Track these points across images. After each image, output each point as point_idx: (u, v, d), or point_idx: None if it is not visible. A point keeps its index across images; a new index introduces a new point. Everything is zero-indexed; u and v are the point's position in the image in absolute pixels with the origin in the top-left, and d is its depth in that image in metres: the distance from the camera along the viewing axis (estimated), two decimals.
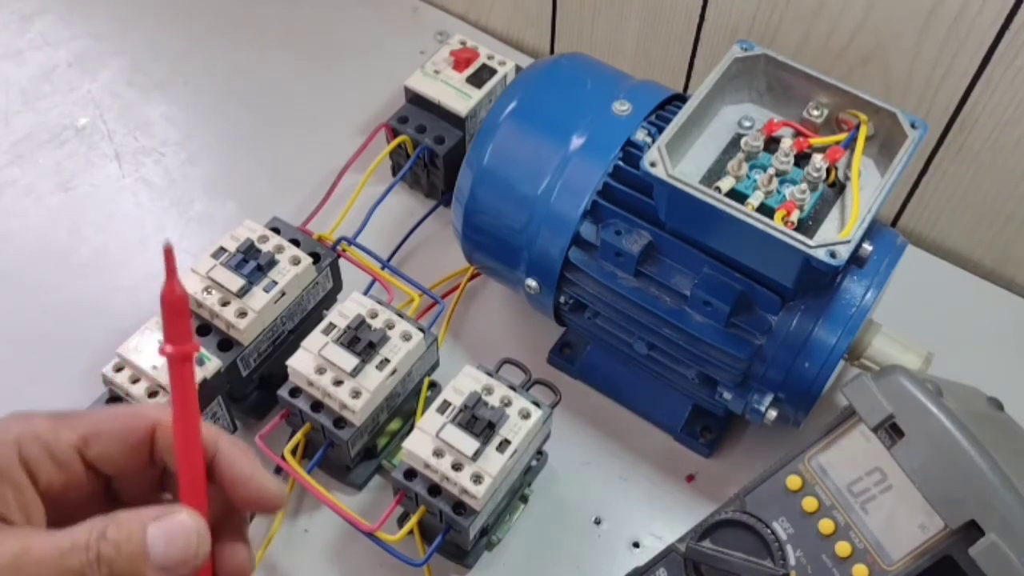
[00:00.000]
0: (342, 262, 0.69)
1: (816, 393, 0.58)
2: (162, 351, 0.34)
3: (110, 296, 0.74)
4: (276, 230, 0.66)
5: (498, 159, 0.63)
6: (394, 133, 0.76)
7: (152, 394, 0.59)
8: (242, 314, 0.61)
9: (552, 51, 0.91)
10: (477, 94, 0.76)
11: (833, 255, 0.51)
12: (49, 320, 0.73)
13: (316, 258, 0.66)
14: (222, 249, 0.63)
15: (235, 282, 0.62)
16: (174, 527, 0.34)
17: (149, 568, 0.33)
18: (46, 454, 0.35)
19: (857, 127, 0.56)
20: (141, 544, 0.33)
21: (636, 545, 0.64)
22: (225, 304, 0.62)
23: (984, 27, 0.65)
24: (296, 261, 0.64)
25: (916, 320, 0.65)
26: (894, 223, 0.81)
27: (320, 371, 0.60)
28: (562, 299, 0.65)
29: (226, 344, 0.62)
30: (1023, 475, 0.45)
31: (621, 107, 0.62)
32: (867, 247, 0.53)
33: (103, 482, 0.37)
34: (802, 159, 0.56)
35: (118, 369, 0.60)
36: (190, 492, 0.35)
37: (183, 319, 0.34)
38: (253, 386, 0.66)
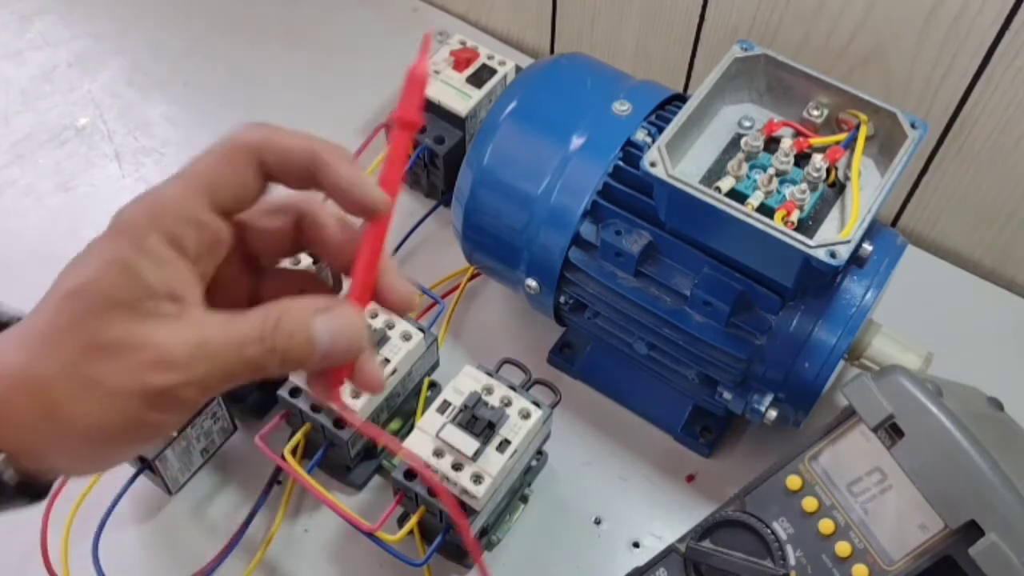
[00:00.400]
0: None
1: (816, 393, 0.58)
2: (391, 116, 0.37)
3: None
4: None
5: (498, 159, 0.63)
6: None
7: None
8: None
9: (552, 51, 0.91)
10: (477, 94, 0.76)
11: (833, 255, 0.51)
12: None
13: (316, 258, 0.66)
14: None
15: None
16: (338, 321, 0.36)
17: (315, 356, 0.36)
18: (186, 223, 0.35)
19: (857, 127, 0.56)
20: (309, 335, 0.35)
21: (636, 545, 0.63)
22: None
23: (984, 27, 0.65)
24: (296, 261, 0.64)
25: (916, 320, 0.65)
26: (894, 223, 0.81)
27: None
28: (562, 299, 0.65)
29: None
30: (1023, 475, 0.45)
31: (621, 107, 0.62)
32: (867, 247, 0.53)
33: (241, 243, 0.39)
34: (802, 159, 0.56)
35: None
36: (360, 290, 0.37)
37: (419, 95, 0.37)
38: (253, 386, 0.66)
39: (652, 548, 0.59)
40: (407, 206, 0.79)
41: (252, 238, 0.39)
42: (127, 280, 0.34)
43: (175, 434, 0.59)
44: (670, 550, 0.52)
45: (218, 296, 0.37)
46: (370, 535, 0.58)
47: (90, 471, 0.39)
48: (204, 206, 0.36)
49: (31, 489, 0.36)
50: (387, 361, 0.60)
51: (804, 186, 0.54)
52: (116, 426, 0.34)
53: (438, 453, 0.56)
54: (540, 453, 0.64)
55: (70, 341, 0.33)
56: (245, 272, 0.40)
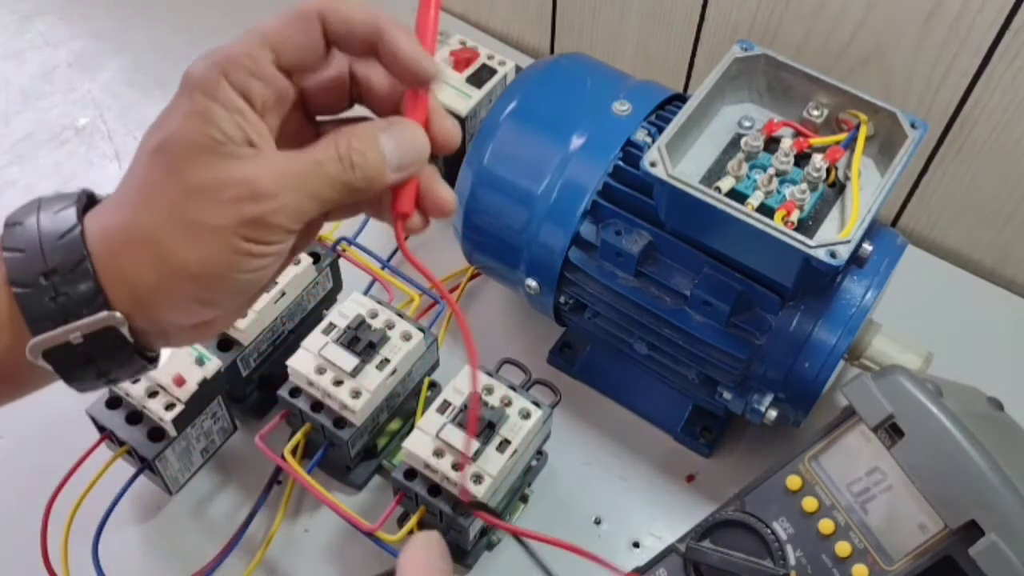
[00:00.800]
0: (342, 262, 0.69)
1: (816, 393, 0.58)
2: None
3: None
4: None
5: (498, 159, 0.63)
6: None
7: (152, 394, 0.58)
8: None
9: (552, 51, 0.91)
10: (477, 94, 0.76)
11: (833, 255, 0.51)
12: None
13: (316, 258, 0.66)
14: None
15: None
16: (401, 133, 0.40)
17: (388, 169, 0.39)
18: (253, 77, 0.38)
19: (857, 127, 0.56)
20: (379, 148, 0.39)
21: (636, 545, 0.63)
22: None
23: (984, 27, 0.65)
24: (296, 261, 0.64)
25: (916, 320, 0.65)
26: (894, 223, 0.81)
27: (320, 371, 0.60)
28: (562, 299, 0.65)
29: (226, 344, 0.62)
30: (1023, 475, 0.45)
31: (621, 107, 0.62)
32: (867, 247, 0.53)
33: (301, 98, 0.41)
34: (802, 159, 0.56)
35: None
36: (413, 108, 0.40)
37: None
38: (253, 386, 0.66)
39: (652, 548, 0.59)
40: None
41: (311, 92, 0.41)
42: (207, 127, 0.37)
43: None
44: (670, 550, 0.52)
45: (283, 149, 0.39)
46: (370, 535, 0.58)
47: (197, 333, 0.41)
48: (268, 62, 0.38)
49: (146, 353, 0.39)
50: (387, 361, 0.60)
51: (804, 186, 0.54)
52: (223, 261, 0.37)
53: (438, 453, 0.56)
54: (540, 453, 0.64)
55: (166, 190, 0.36)
56: (307, 126, 0.42)
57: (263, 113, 0.38)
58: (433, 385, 0.66)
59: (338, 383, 0.59)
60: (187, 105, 0.37)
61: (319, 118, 0.43)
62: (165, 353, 0.59)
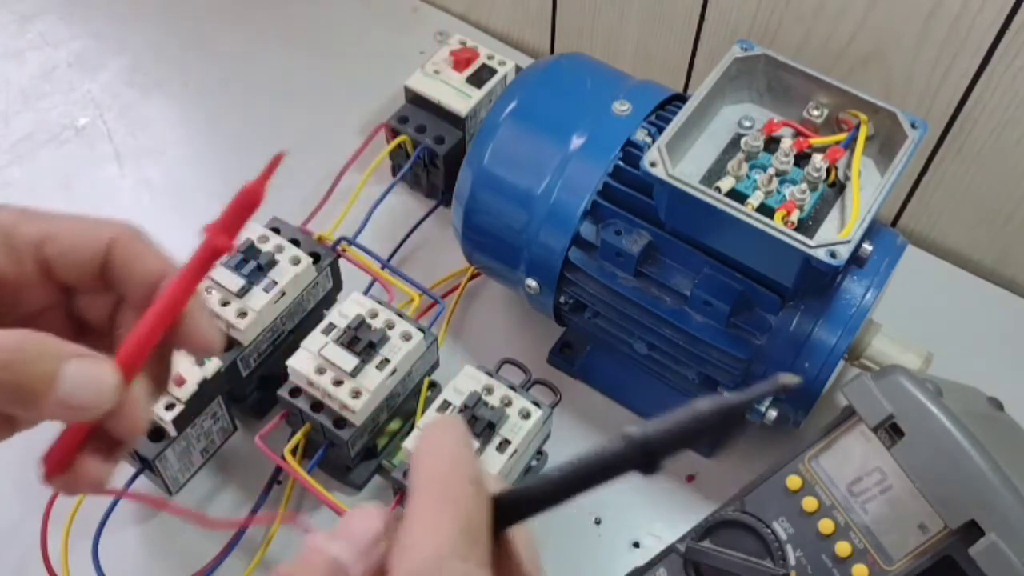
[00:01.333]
0: (342, 262, 0.69)
1: (816, 393, 0.58)
2: (205, 229, 0.34)
3: None
4: (276, 230, 0.66)
5: (498, 159, 0.63)
6: (394, 133, 0.76)
7: None
8: (242, 314, 0.61)
9: (552, 51, 0.91)
10: (477, 94, 0.76)
11: (833, 255, 0.51)
12: None
13: (316, 258, 0.66)
14: None
15: (235, 282, 0.62)
16: (94, 371, 0.33)
17: (52, 395, 0.32)
18: (1, 243, 0.34)
19: (857, 127, 0.56)
20: (56, 367, 0.32)
21: (636, 545, 0.63)
22: (225, 304, 0.62)
23: (984, 27, 0.65)
24: (296, 261, 0.64)
25: (916, 320, 0.65)
26: (894, 223, 0.81)
27: (320, 371, 0.60)
28: (562, 299, 0.65)
29: (226, 344, 0.62)
30: (1023, 475, 0.45)
31: (621, 107, 0.62)
32: (867, 247, 0.53)
33: (64, 298, 0.37)
34: (802, 159, 0.56)
35: None
36: (132, 353, 0.34)
37: (242, 219, 0.34)
38: (253, 386, 0.66)
39: (652, 548, 0.58)
40: (407, 206, 0.79)
41: (79, 303, 0.37)
42: None
43: (175, 434, 0.59)
44: (670, 550, 0.52)
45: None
46: None
47: None
48: (32, 250, 0.35)
49: None
50: (387, 361, 0.60)
51: (804, 186, 0.54)
52: None
53: None
54: (540, 453, 0.64)
55: None
56: (65, 320, 0.37)
57: None
58: (433, 385, 0.66)
59: (338, 383, 0.59)
60: None
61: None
62: None
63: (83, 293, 0.37)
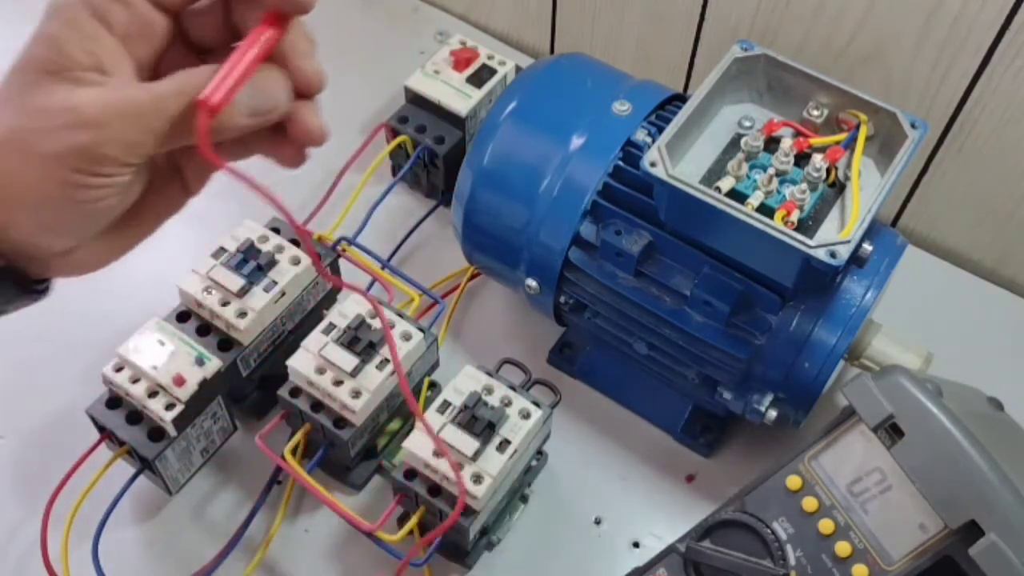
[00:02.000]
0: (342, 262, 0.69)
1: (816, 393, 0.58)
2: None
3: (110, 296, 0.74)
4: (276, 230, 0.66)
5: (498, 159, 0.63)
6: (394, 133, 0.76)
7: (152, 394, 0.59)
8: (242, 314, 0.61)
9: (552, 51, 0.91)
10: (477, 94, 0.76)
11: (833, 255, 0.51)
12: (49, 320, 0.73)
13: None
14: (222, 249, 0.63)
15: (235, 282, 0.62)
16: (257, 77, 0.37)
17: (237, 113, 0.37)
18: (116, 3, 0.37)
19: (857, 127, 0.56)
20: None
21: (636, 545, 0.64)
22: (225, 304, 0.62)
23: (984, 27, 0.65)
24: (296, 261, 0.64)
25: (916, 320, 0.65)
26: (894, 223, 0.81)
27: (320, 371, 0.60)
28: (562, 299, 0.65)
29: (226, 344, 0.62)
30: (1023, 475, 0.45)
31: (621, 107, 0.62)
32: (867, 247, 0.53)
33: (178, 30, 0.39)
34: (802, 159, 0.56)
35: (118, 369, 0.60)
36: (257, 42, 0.38)
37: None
38: (253, 386, 0.66)
39: (652, 548, 0.58)
40: (407, 206, 0.79)
41: (191, 27, 0.40)
42: (55, 52, 0.36)
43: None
44: (670, 550, 0.52)
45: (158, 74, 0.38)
46: (370, 535, 0.58)
47: (66, 263, 0.39)
48: None
49: (21, 279, 0.38)
50: (387, 361, 0.60)
51: (804, 186, 0.54)
52: (54, 190, 0.35)
53: (438, 453, 0.56)
54: (540, 453, 0.64)
55: (11, 111, 0.36)
56: (193, 62, 0.40)
57: (124, 37, 0.37)
58: (433, 385, 0.66)
59: (338, 383, 0.59)
60: (45, 28, 0.37)
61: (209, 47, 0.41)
62: (164, 353, 0.59)
63: (190, 16, 0.40)
